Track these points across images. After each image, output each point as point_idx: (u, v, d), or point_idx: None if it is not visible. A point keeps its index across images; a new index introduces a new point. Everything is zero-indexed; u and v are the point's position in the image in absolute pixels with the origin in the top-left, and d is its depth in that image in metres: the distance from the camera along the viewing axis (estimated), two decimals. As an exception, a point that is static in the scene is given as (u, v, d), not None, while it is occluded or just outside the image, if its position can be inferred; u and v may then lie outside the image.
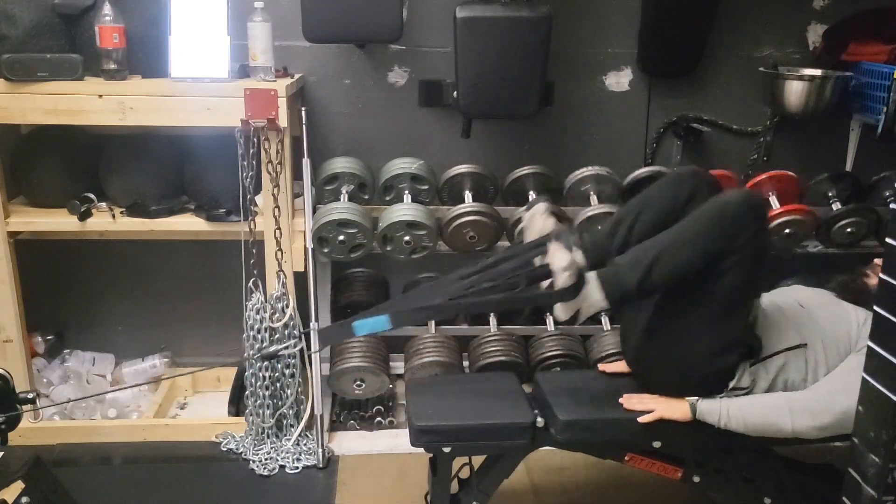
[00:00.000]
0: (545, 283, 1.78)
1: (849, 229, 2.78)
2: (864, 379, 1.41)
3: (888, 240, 1.35)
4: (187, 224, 2.63)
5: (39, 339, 2.96)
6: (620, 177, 2.82)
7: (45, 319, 2.97)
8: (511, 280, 1.81)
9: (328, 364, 2.73)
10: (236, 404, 2.76)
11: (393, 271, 3.06)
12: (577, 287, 1.76)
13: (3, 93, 2.37)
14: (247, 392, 2.62)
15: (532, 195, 2.80)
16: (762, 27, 2.97)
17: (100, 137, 2.70)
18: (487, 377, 2.50)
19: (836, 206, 2.81)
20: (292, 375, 2.62)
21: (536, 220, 1.91)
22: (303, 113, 2.59)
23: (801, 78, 2.78)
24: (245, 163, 2.47)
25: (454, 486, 2.10)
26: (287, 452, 2.59)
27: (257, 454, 2.58)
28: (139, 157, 2.65)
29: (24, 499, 1.73)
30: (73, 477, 2.30)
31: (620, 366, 2.19)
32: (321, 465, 2.57)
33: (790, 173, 2.81)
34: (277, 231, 2.55)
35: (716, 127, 3.05)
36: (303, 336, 2.57)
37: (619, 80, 2.99)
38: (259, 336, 2.56)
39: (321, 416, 2.61)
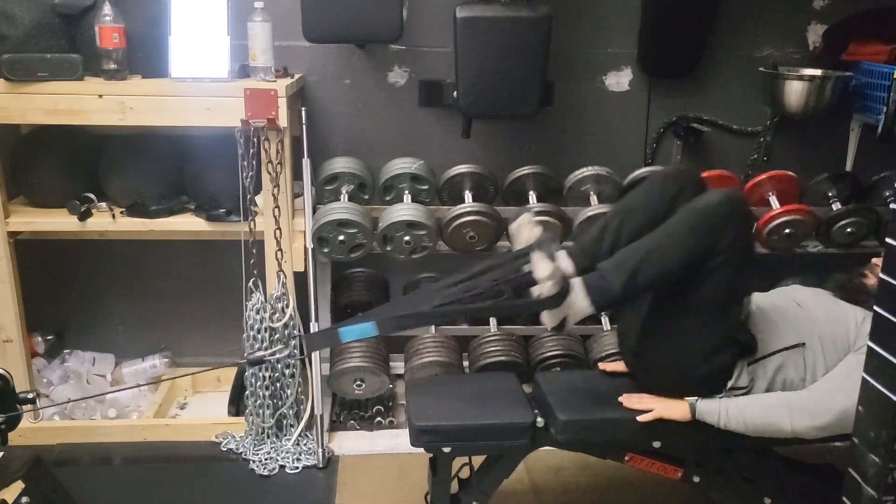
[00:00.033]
0: (535, 291, 1.79)
1: (849, 229, 2.77)
2: (864, 379, 1.41)
3: (888, 240, 1.34)
4: (187, 224, 2.63)
5: (39, 339, 2.96)
6: (620, 177, 2.82)
7: (45, 319, 2.97)
8: (497, 288, 1.82)
9: (328, 364, 2.74)
10: (236, 404, 2.76)
11: (393, 271, 3.06)
12: (561, 295, 1.77)
13: (3, 93, 2.37)
14: (247, 392, 2.62)
15: (532, 195, 2.80)
16: (762, 27, 2.97)
17: (100, 137, 2.70)
18: (487, 377, 2.49)
19: (836, 206, 2.80)
20: (292, 375, 2.62)
21: (523, 229, 1.92)
22: (303, 113, 2.59)
23: (801, 78, 2.78)
24: (245, 163, 2.47)
25: (454, 486, 2.10)
26: (287, 452, 2.59)
27: (257, 454, 2.58)
28: (139, 157, 2.65)
29: (24, 499, 1.73)
30: (73, 477, 2.30)
31: (620, 365, 2.19)
32: (321, 465, 2.57)
33: (790, 173, 2.81)
34: (277, 231, 2.55)
35: (716, 127, 3.05)
36: (290, 342, 2.57)
37: (619, 80, 2.99)
38: (259, 336, 2.56)
39: (321, 416, 2.61)
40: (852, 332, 1.98)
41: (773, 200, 2.79)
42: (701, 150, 3.06)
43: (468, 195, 2.78)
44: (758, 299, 2.12)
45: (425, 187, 2.78)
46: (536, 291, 1.78)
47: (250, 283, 2.56)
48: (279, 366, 2.59)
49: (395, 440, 2.69)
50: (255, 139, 2.46)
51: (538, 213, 2.66)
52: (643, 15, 2.88)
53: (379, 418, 2.80)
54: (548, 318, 1.82)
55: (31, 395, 1.79)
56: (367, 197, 2.80)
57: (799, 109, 2.78)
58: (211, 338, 3.08)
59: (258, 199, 2.56)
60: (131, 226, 2.61)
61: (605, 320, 2.80)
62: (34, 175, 2.63)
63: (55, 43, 2.45)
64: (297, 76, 2.71)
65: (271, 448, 2.60)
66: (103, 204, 2.64)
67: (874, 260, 2.18)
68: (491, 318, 2.83)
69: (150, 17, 2.53)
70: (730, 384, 1.94)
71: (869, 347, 1.39)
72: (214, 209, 2.60)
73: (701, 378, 1.94)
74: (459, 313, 2.03)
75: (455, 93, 2.63)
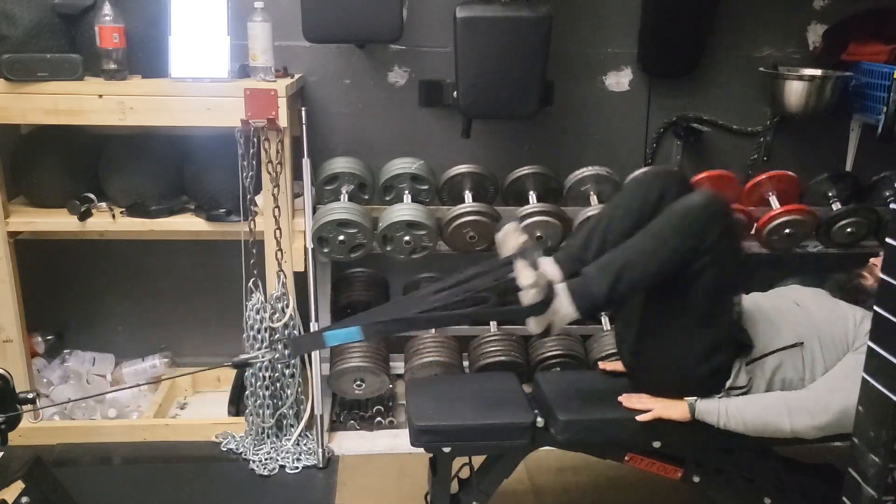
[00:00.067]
0: (521, 298, 1.80)
1: (849, 229, 2.77)
2: (864, 379, 1.41)
3: (888, 240, 1.34)
4: (187, 224, 2.63)
5: (39, 339, 2.96)
6: (620, 177, 2.81)
7: (45, 319, 2.97)
8: (480, 295, 1.83)
9: (328, 364, 2.74)
10: (236, 404, 2.76)
11: (393, 271, 3.06)
12: (546, 302, 1.78)
13: (3, 93, 2.37)
14: (247, 392, 2.62)
15: (532, 195, 2.80)
16: (762, 27, 2.97)
17: (100, 137, 2.70)
18: (487, 377, 2.49)
19: (836, 206, 2.80)
20: (292, 375, 2.62)
21: (509, 238, 1.93)
22: (303, 113, 2.59)
23: (801, 78, 2.78)
24: (245, 163, 2.47)
25: (454, 486, 2.10)
26: (287, 452, 2.59)
27: (257, 454, 2.58)
28: (139, 157, 2.65)
29: (24, 499, 1.73)
30: (73, 477, 2.30)
31: (620, 364, 2.19)
32: (321, 465, 2.57)
33: (790, 173, 2.81)
34: (277, 231, 2.55)
35: (716, 127, 3.05)
36: (276, 345, 2.57)
37: (619, 80, 2.99)
38: (259, 336, 2.56)
39: (321, 416, 2.61)
40: (851, 331, 1.98)
41: (773, 200, 2.79)
42: (701, 150, 3.06)
43: (468, 195, 2.78)
44: (757, 299, 2.12)
45: (425, 187, 2.78)
46: (521, 299, 1.79)
47: (250, 283, 2.56)
48: (279, 366, 2.60)
49: (395, 440, 2.69)
50: (255, 139, 2.46)
51: (537, 214, 2.66)
52: (643, 15, 2.88)
53: (379, 418, 2.80)
54: (533, 324, 1.83)
55: (31, 395, 1.79)
56: (367, 197, 2.80)
57: (799, 109, 2.78)
58: (211, 338, 3.08)
59: (258, 199, 2.56)
60: (131, 226, 2.60)
61: (605, 320, 2.80)
62: (34, 175, 2.63)
63: (55, 43, 2.45)
64: (297, 76, 2.71)
65: (271, 448, 2.60)
66: (103, 204, 2.64)
67: (872, 260, 2.18)
68: (491, 318, 2.84)
69: (150, 17, 2.53)
70: (728, 384, 1.94)
71: (869, 347, 1.40)
72: (214, 209, 2.60)
73: (699, 378, 1.94)
74: (445, 319, 2.04)
75: (455, 93, 2.63)
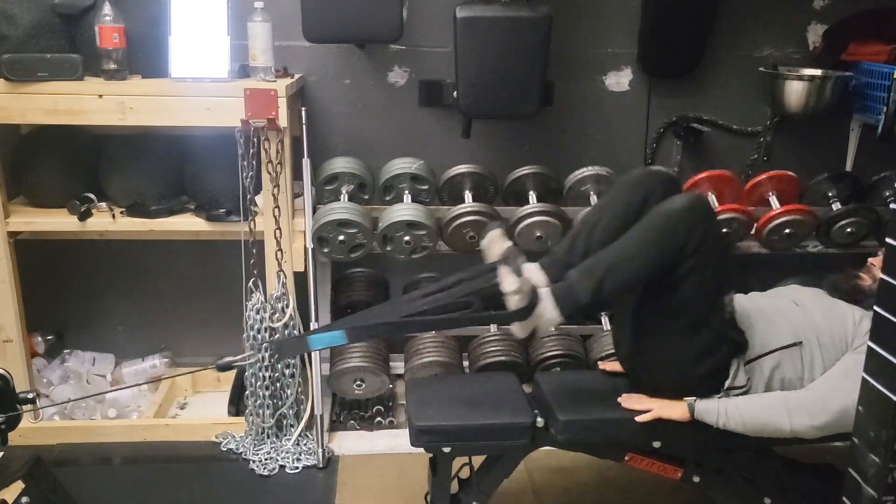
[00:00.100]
0: (506, 304, 1.81)
1: (849, 229, 2.78)
2: (864, 379, 1.41)
3: (888, 240, 1.34)
4: (187, 224, 2.63)
5: (39, 339, 2.96)
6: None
7: (45, 319, 2.97)
8: (464, 300, 1.84)
9: (328, 364, 2.74)
10: (236, 404, 2.76)
11: (393, 271, 3.06)
12: (529, 307, 1.79)
13: (3, 93, 2.37)
14: (247, 392, 2.62)
15: (532, 195, 2.80)
16: (762, 27, 2.97)
17: (100, 137, 2.70)
18: (487, 377, 2.49)
19: (836, 206, 2.80)
20: (292, 375, 2.62)
21: (494, 244, 1.93)
22: (303, 113, 2.59)
23: (801, 78, 2.78)
24: (245, 163, 2.47)
25: (454, 486, 2.10)
26: (287, 452, 2.59)
27: (257, 454, 2.58)
28: (139, 157, 2.66)
29: (24, 499, 1.73)
30: (73, 477, 2.30)
31: (619, 365, 2.19)
32: (321, 465, 2.57)
33: (790, 173, 2.81)
34: (277, 231, 2.55)
35: (716, 127, 3.05)
36: (260, 348, 2.57)
37: (619, 80, 2.99)
38: (259, 336, 2.56)
39: (321, 416, 2.61)
40: (850, 331, 1.98)
41: (773, 200, 2.79)
42: (701, 150, 3.06)
43: (468, 195, 2.78)
44: (756, 298, 2.12)
45: (425, 187, 2.78)
46: (506, 304, 1.79)
47: (250, 283, 2.56)
48: (279, 366, 2.60)
49: (395, 440, 2.69)
50: (255, 139, 2.46)
51: (537, 214, 2.66)
52: (643, 15, 2.88)
53: (379, 418, 2.80)
54: (517, 329, 1.84)
55: (31, 395, 1.79)
56: (367, 197, 2.80)
57: (799, 109, 2.78)
58: (211, 338, 3.08)
59: (258, 199, 2.56)
60: (131, 226, 2.60)
61: (604, 320, 2.80)
62: (34, 175, 2.63)
63: (55, 43, 2.45)
64: (297, 76, 2.71)
65: (271, 448, 2.60)
66: (103, 204, 2.64)
67: (870, 260, 2.19)
68: (491, 318, 2.84)
69: (150, 17, 2.53)
70: (727, 384, 1.94)
71: (869, 347, 1.39)
72: (214, 209, 2.60)
73: (697, 378, 1.94)
74: (429, 323, 2.05)
75: (455, 93, 2.63)
